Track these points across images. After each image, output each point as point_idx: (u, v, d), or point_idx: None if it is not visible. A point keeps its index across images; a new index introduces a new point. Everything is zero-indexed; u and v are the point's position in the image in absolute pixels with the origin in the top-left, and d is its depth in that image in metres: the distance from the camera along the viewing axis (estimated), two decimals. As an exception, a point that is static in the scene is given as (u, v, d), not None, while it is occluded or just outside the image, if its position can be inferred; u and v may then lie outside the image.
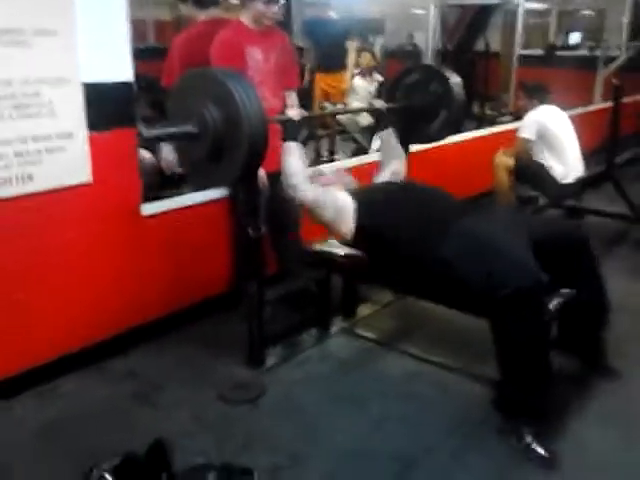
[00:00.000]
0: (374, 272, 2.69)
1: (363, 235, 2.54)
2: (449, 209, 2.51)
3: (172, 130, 2.38)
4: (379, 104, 3.07)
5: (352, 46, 6.38)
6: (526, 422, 2.19)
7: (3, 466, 2.07)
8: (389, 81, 3.28)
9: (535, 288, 2.12)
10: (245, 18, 2.87)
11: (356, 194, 2.60)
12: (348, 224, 2.52)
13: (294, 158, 2.51)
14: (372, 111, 3.14)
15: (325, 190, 2.59)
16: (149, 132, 2.33)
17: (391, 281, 2.75)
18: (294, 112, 2.56)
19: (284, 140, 2.54)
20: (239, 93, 2.16)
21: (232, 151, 2.23)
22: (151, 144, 3.38)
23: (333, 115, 5.79)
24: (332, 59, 6.27)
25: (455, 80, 3.15)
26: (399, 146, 3.07)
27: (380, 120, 3.08)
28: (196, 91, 2.28)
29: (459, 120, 3.24)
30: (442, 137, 3.32)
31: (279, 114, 2.74)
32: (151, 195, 2.90)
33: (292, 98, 3.12)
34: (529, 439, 2.16)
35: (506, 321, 2.15)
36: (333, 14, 6.63)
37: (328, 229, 2.61)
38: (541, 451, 2.13)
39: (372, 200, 2.60)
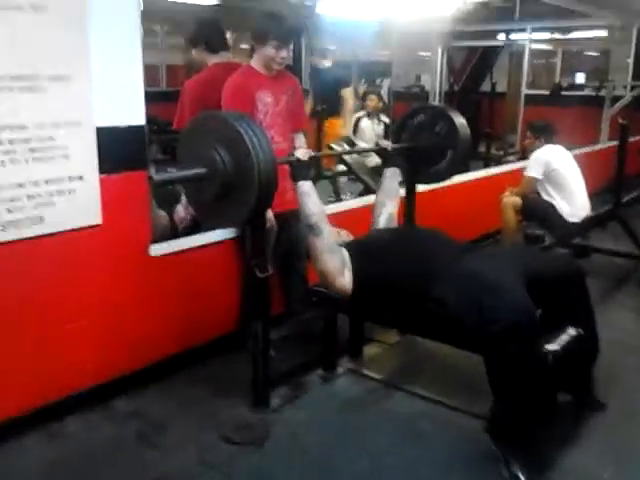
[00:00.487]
0: (375, 312, 2.71)
1: (360, 288, 2.55)
2: (443, 251, 2.53)
3: (181, 174, 2.42)
4: (385, 144, 3.12)
5: (347, 93, 6.52)
6: (516, 451, 2.21)
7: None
8: (396, 122, 3.33)
9: (527, 324, 2.14)
10: (255, 63, 2.95)
11: (349, 245, 2.64)
12: (347, 277, 2.54)
13: (311, 198, 2.50)
14: (379, 151, 3.18)
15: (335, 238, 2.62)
16: (159, 177, 2.37)
17: (393, 320, 2.76)
18: (301, 152, 2.59)
19: (294, 180, 2.55)
20: (249, 136, 2.20)
21: (241, 193, 2.26)
22: (166, 204, 3.43)
23: (339, 155, 5.88)
24: (326, 105, 6.44)
25: (460, 120, 3.21)
26: (398, 187, 3.12)
27: (386, 160, 3.13)
28: (206, 133, 2.33)
29: (465, 160, 3.28)
30: (449, 177, 3.36)
31: (288, 155, 2.79)
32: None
33: (300, 139, 3.18)
34: (515, 468, 2.18)
35: (498, 356, 2.18)
36: (327, 62, 6.81)
37: (326, 280, 2.56)
38: None
39: (366, 249, 2.63)
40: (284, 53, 2.90)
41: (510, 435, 2.25)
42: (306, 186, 2.51)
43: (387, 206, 3.01)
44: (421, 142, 3.26)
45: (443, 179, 3.37)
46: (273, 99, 2.95)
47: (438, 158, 3.25)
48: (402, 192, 3.25)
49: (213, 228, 2.98)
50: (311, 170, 2.61)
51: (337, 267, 2.52)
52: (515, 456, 2.21)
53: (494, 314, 2.14)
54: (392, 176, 3.09)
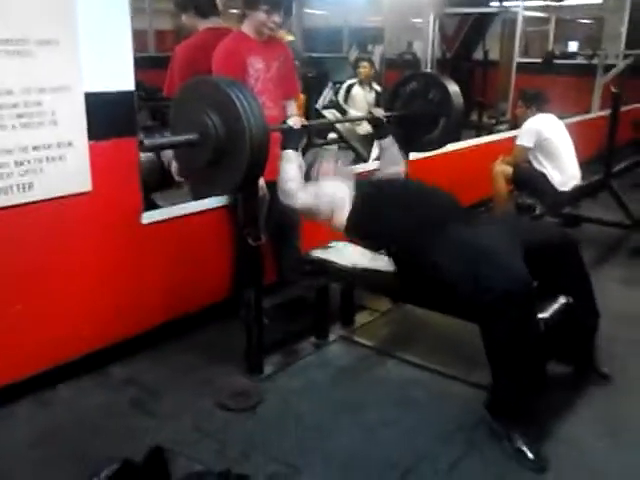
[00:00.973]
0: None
1: (358, 228, 2.59)
2: (443, 212, 2.53)
3: (173, 139, 2.40)
4: (378, 113, 3.09)
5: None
6: (517, 425, 2.22)
7: (1, 473, 2.08)
8: (389, 90, 3.29)
9: (523, 292, 2.13)
10: (246, 28, 2.89)
11: (359, 187, 2.65)
12: (342, 217, 2.58)
13: (291, 165, 2.55)
14: (371, 120, 3.15)
15: (320, 190, 2.63)
16: (151, 142, 2.34)
17: (386, 286, 2.77)
18: (294, 120, 2.58)
19: (283, 148, 2.57)
20: (240, 101, 2.17)
21: (233, 158, 2.24)
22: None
23: (332, 124, 5.83)
24: None
25: (453, 88, 3.17)
26: (399, 153, 3.10)
27: (379, 129, 3.10)
28: (197, 99, 2.30)
29: (458, 128, 3.25)
30: (442, 145, 3.34)
31: (280, 123, 2.76)
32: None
33: (292, 107, 3.14)
34: (519, 443, 2.19)
35: (494, 325, 2.17)
36: (290, 37, 6.71)
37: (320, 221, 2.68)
38: (530, 455, 2.16)
39: (370, 200, 2.63)
40: (276, 18, 2.84)
41: (510, 409, 2.25)
42: (290, 154, 2.54)
43: (391, 170, 3.00)
44: (414, 110, 3.23)
45: (436, 147, 3.36)
46: (264, 65, 2.90)
47: (431, 126, 3.23)
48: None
49: (206, 196, 2.96)
50: (303, 139, 2.60)
51: (327, 217, 2.62)
52: (517, 430, 2.21)
53: (489, 283, 2.13)
54: (390, 146, 3.06)
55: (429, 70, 3.51)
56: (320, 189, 2.65)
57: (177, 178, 3.22)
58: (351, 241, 2.81)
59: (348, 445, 2.24)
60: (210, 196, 2.94)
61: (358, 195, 2.62)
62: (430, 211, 2.53)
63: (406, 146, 3.33)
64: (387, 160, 3.05)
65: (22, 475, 2.09)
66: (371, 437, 2.29)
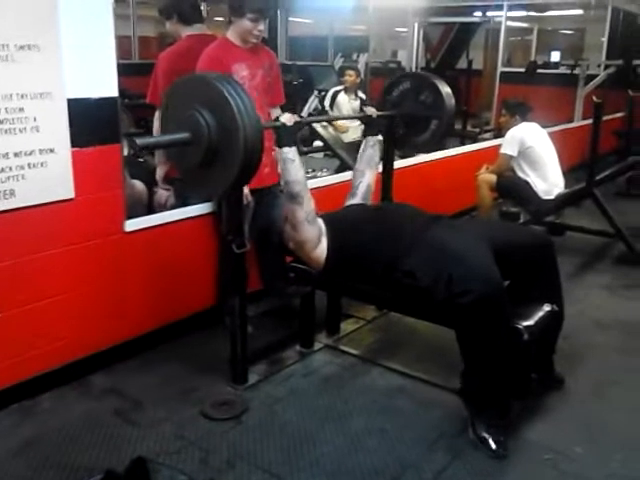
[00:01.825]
0: (350, 286, 2.72)
1: (334, 259, 2.54)
2: (412, 222, 2.54)
3: (166, 138, 2.36)
4: (371, 111, 3.09)
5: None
6: (483, 415, 2.28)
7: (-19, 484, 2.05)
8: (382, 88, 3.25)
9: (495, 295, 2.17)
10: (231, 35, 2.89)
11: (322, 217, 2.61)
12: (323, 247, 2.52)
13: (294, 164, 2.43)
14: (363, 118, 3.14)
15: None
16: (143, 141, 2.29)
17: (367, 294, 2.76)
18: (287, 117, 2.50)
19: (279, 146, 2.47)
20: (234, 98, 2.12)
21: (227, 158, 2.19)
22: (146, 176, 3.33)
23: (316, 130, 5.83)
24: None
25: (446, 89, 3.15)
26: (378, 157, 3.09)
27: (370, 127, 3.09)
28: (189, 97, 2.25)
29: (449, 131, 3.21)
30: (430, 148, 3.30)
31: (271, 121, 2.72)
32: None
33: (277, 114, 3.13)
34: (482, 431, 2.26)
35: (468, 326, 2.23)
36: None
37: (302, 250, 2.55)
38: (492, 443, 2.23)
39: (338, 222, 2.62)
40: (261, 26, 2.85)
41: (477, 400, 2.32)
42: (290, 152, 2.44)
43: (366, 176, 2.99)
44: (406, 110, 3.19)
45: (425, 150, 3.31)
46: (249, 72, 2.90)
47: (422, 128, 3.19)
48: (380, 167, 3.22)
49: (199, 196, 2.93)
50: (297, 136, 2.55)
51: (315, 236, 2.50)
52: (482, 419, 2.28)
53: (463, 286, 2.16)
54: (374, 145, 3.05)
55: (423, 72, 3.46)
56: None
57: (161, 185, 3.21)
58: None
59: (333, 454, 2.23)
60: (204, 195, 2.90)
61: (328, 227, 2.57)
62: (396, 224, 2.54)
63: (396, 147, 3.31)
64: (365, 158, 3.03)
65: (2, 486, 2.06)
66: (356, 445, 2.27)
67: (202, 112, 2.18)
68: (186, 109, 2.22)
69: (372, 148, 3.05)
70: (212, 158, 2.21)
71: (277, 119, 2.51)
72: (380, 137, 3.10)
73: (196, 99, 2.21)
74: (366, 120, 3.10)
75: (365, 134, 3.11)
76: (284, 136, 2.46)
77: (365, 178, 2.98)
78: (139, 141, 2.24)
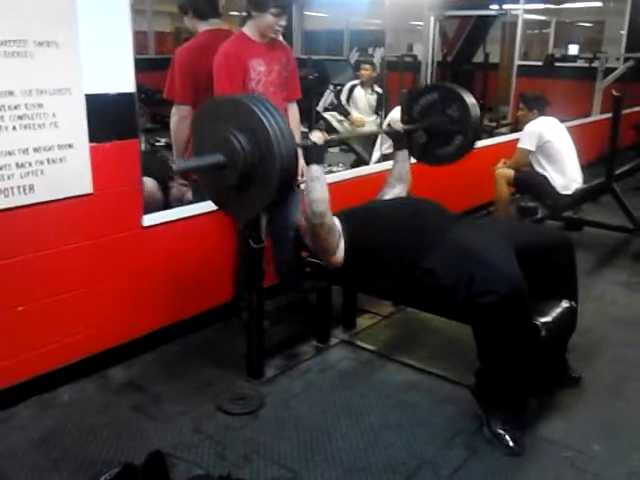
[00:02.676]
0: (367, 282, 2.72)
1: (352, 258, 2.54)
2: (435, 221, 2.53)
3: (201, 162, 2.34)
4: (398, 126, 3.06)
5: None
6: (499, 412, 2.28)
7: (3, 475, 2.07)
8: (406, 99, 3.20)
9: (517, 296, 2.16)
10: (249, 30, 2.88)
11: (342, 213, 2.61)
12: (341, 249, 2.52)
13: (320, 183, 2.42)
14: (391, 133, 3.11)
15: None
16: (180, 165, 2.30)
17: (385, 291, 2.76)
18: (316, 136, 2.50)
19: (308, 164, 2.48)
20: (269, 122, 2.10)
21: (262, 180, 2.17)
22: (157, 177, 3.33)
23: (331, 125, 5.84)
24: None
25: (472, 103, 3.09)
26: (409, 171, 3.06)
27: (397, 142, 3.06)
28: (222, 119, 2.23)
29: (474, 144, 3.17)
30: (452, 162, 3.26)
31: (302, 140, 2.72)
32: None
33: (293, 108, 3.13)
34: (498, 427, 2.25)
35: (486, 327, 2.22)
36: None
37: (323, 256, 2.56)
38: (508, 439, 2.23)
39: (359, 218, 2.61)
40: (283, 21, 2.84)
41: (493, 397, 2.31)
42: (318, 171, 2.43)
43: (397, 188, 2.97)
44: (433, 124, 3.13)
45: (448, 162, 3.27)
46: (266, 68, 2.89)
47: (446, 141, 3.14)
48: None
49: (233, 217, 2.93)
50: (325, 154, 2.55)
51: (335, 244, 2.50)
52: (498, 416, 2.27)
53: (484, 286, 2.15)
54: (404, 160, 3.02)
55: (449, 83, 3.36)
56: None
57: (178, 180, 3.21)
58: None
59: (349, 449, 2.23)
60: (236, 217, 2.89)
61: (345, 228, 2.56)
62: (419, 221, 2.53)
63: (414, 155, 3.29)
64: (396, 174, 3.02)
65: (22, 477, 2.08)
66: (372, 441, 2.27)
67: (237, 135, 2.15)
68: (219, 131, 2.20)
69: (402, 163, 3.02)
70: (247, 181, 2.20)
71: (307, 137, 2.51)
72: (407, 152, 3.06)
73: (230, 121, 2.19)
74: (393, 135, 3.07)
75: (394, 148, 3.08)
76: (314, 154, 2.46)
77: (396, 189, 2.97)
78: (176, 166, 2.24)
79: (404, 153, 3.04)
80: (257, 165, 2.16)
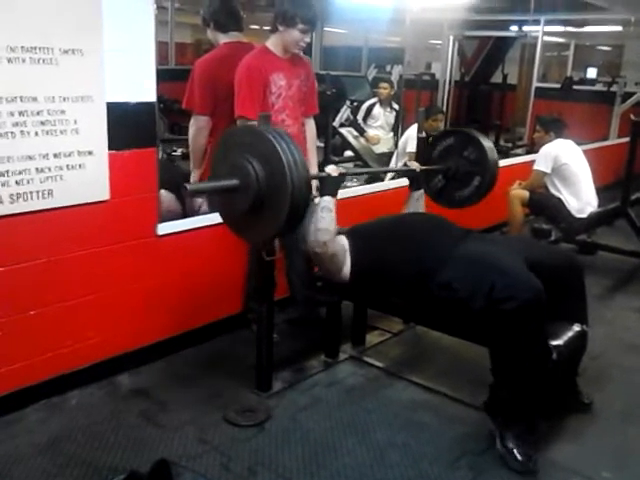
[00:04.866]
0: (377, 299, 2.74)
1: (359, 274, 2.56)
2: (444, 235, 2.54)
3: (215, 185, 2.38)
4: (414, 165, 3.09)
5: None
6: (512, 427, 2.25)
7: (3, 479, 2.08)
8: (421, 118, 3.23)
9: (539, 303, 2.17)
10: (271, 44, 2.91)
11: (349, 231, 2.63)
12: (347, 265, 2.55)
13: (330, 215, 2.46)
14: (407, 172, 3.13)
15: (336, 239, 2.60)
16: (193, 187, 2.34)
17: (395, 308, 2.77)
18: (331, 169, 2.55)
19: (321, 195, 2.52)
20: (285, 154, 2.15)
21: (274, 207, 2.21)
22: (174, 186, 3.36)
23: (347, 140, 5.86)
24: None
25: (489, 145, 3.14)
26: (423, 209, 3.09)
27: (413, 182, 3.08)
28: (241, 146, 2.28)
29: (491, 187, 3.19)
30: (471, 204, 3.27)
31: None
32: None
33: (310, 124, 3.16)
34: (511, 443, 2.23)
35: (506, 335, 2.20)
36: None
37: (328, 274, 2.61)
38: (519, 456, 2.20)
39: (366, 235, 2.63)
40: (308, 38, 2.88)
41: (506, 411, 2.29)
42: (330, 202, 2.49)
43: None
44: (449, 165, 3.17)
45: (466, 205, 3.27)
46: (286, 82, 2.92)
47: (464, 183, 3.17)
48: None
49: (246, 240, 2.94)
50: (339, 187, 2.58)
51: (339, 267, 2.55)
52: (511, 432, 2.25)
53: (507, 292, 2.16)
54: (418, 200, 3.05)
55: (467, 129, 3.40)
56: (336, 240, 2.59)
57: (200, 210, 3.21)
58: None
59: (355, 466, 2.22)
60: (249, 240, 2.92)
61: (352, 245, 2.59)
62: (428, 237, 2.54)
63: (433, 198, 3.31)
64: (411, 211, 3.05)
65: (27, 480, 2.09)
66: (378, 459, 2.26)
67: (252, 162, 2.20)
68: (237, 157, 2.25)
69: (417, 202, 3.05)
70: (259, 207, 2.24)
71: (323, 170, 2.54)
72: (422, 191, 3.09)
73: (248, 149, 2.24)
74: (410, 174, 3.09)
75: (410, 189, 3.10)
76: (328, 186, 2.51)
77: None
78: (189, 187, 2.29)
79: (419, 193, 3.06)
80: (269, 192, 2.20)
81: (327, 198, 2.49)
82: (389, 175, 5.05)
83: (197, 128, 3.05)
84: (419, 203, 3.06)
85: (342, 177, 2.57)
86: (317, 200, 2.52)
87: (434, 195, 3.25)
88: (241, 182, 2.23)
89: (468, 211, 4.36)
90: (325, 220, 2.46)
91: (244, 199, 2.24)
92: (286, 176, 2.12)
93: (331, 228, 2.48)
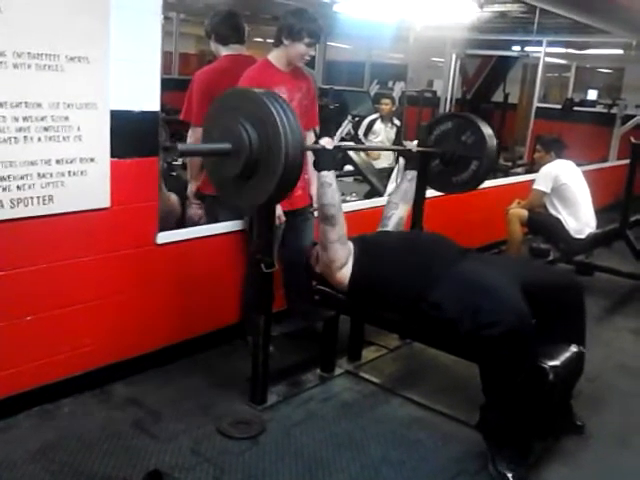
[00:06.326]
0: (374, 314, 2.72)
1: (358, 282, 2.57)
2: (442, 255, 2.54)
3: (206, 147, 2.40)
4: (411, 145, 3.11)
5: None
6: (504, 451, 2.24)
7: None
8: (424, 126, 3.26)
9: (524, 329, 2.15)
10: (274, 57, 2.93)
11: (355, 239, 2.63)
12: (349, 268, 2.56)
13: (331, 188, 2.47)
14: (404, 151, 3.15)
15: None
16: (184, 147, 2.32)
17: (390, 323, 2.75)
18: (326, 141, 2.54)
19: (318, 170, 2.51)
20: (280, 115, 2.14)
21: (265, 173, 2.21)
22: (179, 190, 3.36)
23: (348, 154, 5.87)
24: None
25: (488, 131, 3.13)
26: (413, 193, 3.11)
27: (409, 161, 3.11)
28: (235, 109, 2.27)
29: (488, 173, 3.18)
30: (468, 189, 3.28)
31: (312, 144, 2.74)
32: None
33: (310, 137, 3.16)
34: (502, 467, 2.21)
35: (492, 359, 2.20)
36: None
37: (329, 269, 2.59)
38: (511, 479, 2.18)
39: (367, 247, 2.63)
40: (312, 51, 2.90)
41: (498, 435, 2.27)
42: (329, 176, 2.48)
43: (399, 209, 3.01)
44: (447, 149, 3.18)
45: (462, 190, 3.28)
46: (287, 96, 2.91)
47: (462, 168, 3.18)
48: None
49: (234, 205, 2.95)
50: (335, 159, 2.57)
51: (343, 258, 2.55)
52: (503, 455, 2.23)
53: (492, 317, 2.15)
54: (412, 179, 3.08)
55: (450, 109, 3.43)
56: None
57: (192, 200, 3.22)
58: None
59: (348, 482, 2.20)
60: (238, 204, 2.92)
61: (356, 252, 2.60)
62: (426, 255, 2.55)
63: (431, 183, 3.31)
64: (401, 192, 3.07)
65: (18, 489, 2.07)
66: (373, 476, 2.25)
67: (246, 125, 2.20)
68: (230, 121, 2.24)
69: (409, 182, 3.07)
70: (250, 171, 2.23)
71: (317, 142, 2.53)
72: (416, 172, 3.10)
73: (241, 112, 2.23)
74: (405, 154, 3.11)
75: (404, 168, 3.12)
76: (323, 159, 2.49)
77: (398, 211, 3.00)
78: (180, 146, 2.27)
79: (413, 173, 3.08)
80: (262, 156, 2.19)
81: (324, 173, 2.49)
82: (389, 190, 5.07)
83: (195, 139, 3.05)
84: (412, 184, 3.08)
85: (337, 150, 2.56)
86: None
87: (432, 181, 3.24)
88: (233, 146, 2.22)
89: (467, 228, 4.39)
90: (327, 195, 2.47)
91: (236, 163, 2.23)
92: (281, 141, 2.11)
93: (335, 201, 2.48)
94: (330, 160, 2.51)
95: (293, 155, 2.15)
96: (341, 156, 5.77)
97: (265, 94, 2.24)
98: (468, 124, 3.16)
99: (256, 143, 2.19)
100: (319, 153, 2.50)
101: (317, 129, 3.25)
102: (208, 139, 2.39)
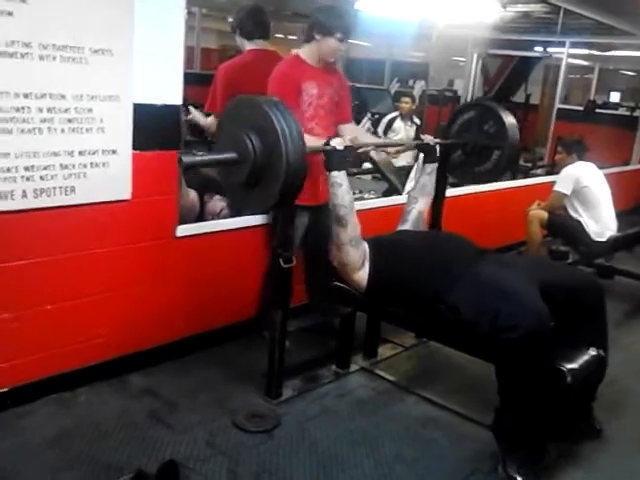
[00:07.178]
0: (390, 312, 2.72)
1: (376, 283, 2.55)
2: (461, 256, 2.52)
3: (211, 157, 2.43)
4: (428, 139, 3.10)
5: None
6: (515, 453, 2.22)
7: (12, 471, 2.08)
8: (443, 126, 3.25)
9: (544, 332, 2.13)
10: (305, 53, 2.92)
11: (370, 240, 2.62)
12: (366, 270, 2.54)
13: (342, 188, 2.46)
14: (421, 145, 3.15)
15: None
16: (188, 159, 2.35)
17: (407, 322, 2.75)
18: (337, 141, 2.52)
19: (328, 170, 2.50)
20: (280, 123, 2.17)
21: (269, 180, 2.25)
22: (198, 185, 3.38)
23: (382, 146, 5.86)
24: None
25: (510, 120, 3.12)
26: (433, 187, 3.11)
27: (427, 155, 3.10)
28: (240, 118, 2.31)
29: (511, 164, 3.15)
30: (490, 179, 3.26)
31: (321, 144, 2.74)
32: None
33: (350, 127, 3.15)
34: (513, 470, 2.19)
35: (509, 362, 2.18)
36: None
37: (343, 271, 2.58)
38: None
39: (386, 247, 2.62)
40: (343, 46, 2.90)
41: (511, 437, 2.25)
42: (339, 176, 2.47)
43: (419, 202, 3.00)
44: (467, 139, 3.17)
45: (485, 181, 3.27)
46: (318, 91, 2.92)
47: (484, 158, 3.16)
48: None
49: (242, 210, 2.98)
50: (346, 160, 2.56)
51: (357, 260, 2.53)
52: (514, 458, 2.21)
53: (511, 320, 2.13)
54: (431, 173, 3.07)
55: (489, 101, 3.42)
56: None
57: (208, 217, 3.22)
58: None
59: (362, 478, 2.20)
60: (246, 210, 2.95)
61: (372, 254, 2.58)
62: (445, 256, 2.53)
63: (452, 173, 3.29)
64: (420, 185, 3.06)
65: (36, 475, 2.09)
66: (386, 473, 2.24)
67: (250, 134, 2.24)
68: (237, 130, 2.28)
69: (428, 175, 3.05)
70: (256, 179, 2.28)
71: (328, 142, 2.53)
72: (436, 165, 3.09)
73: (246, 121, 2.27)
74: (423, 148, 3.10)
75: (423, 162, 3.11)
76: (333, 160, 2.49)
77: (417, 205, 2.99)
78: (185, 159, 2.30)
79: (432, 166, 3.07)
80: (265, 164, 2.23)
81: (335, 173, 2.47)
82: (407, 188, 5.04)
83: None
84: (431, 177, 3.07)
85: (348, 150, 2.54)
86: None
87: (454, 171, 3.21)
88: (239, 154, 2.26)
89: (486, 228, 4.35)
90: (337, 195, 2.46)
91: (242, 171, 2.27)
92: (280, 144, 2.15)
93: (345, 202, 2.46)
94: (340, 160, 2.50)
95: (294, 160, 2.18)
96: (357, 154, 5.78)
97: (266, 102, 2.28)
98: (491, 113, 3.14)
99: (260, 150, 2.23)
100: (329, 154, 2.49)
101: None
102: (218, 147, 2.44)
